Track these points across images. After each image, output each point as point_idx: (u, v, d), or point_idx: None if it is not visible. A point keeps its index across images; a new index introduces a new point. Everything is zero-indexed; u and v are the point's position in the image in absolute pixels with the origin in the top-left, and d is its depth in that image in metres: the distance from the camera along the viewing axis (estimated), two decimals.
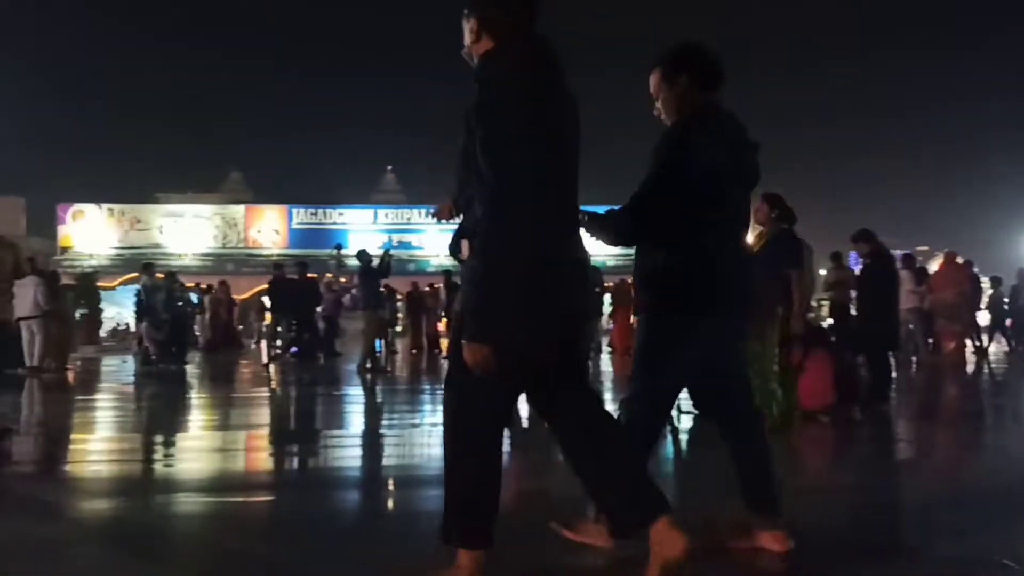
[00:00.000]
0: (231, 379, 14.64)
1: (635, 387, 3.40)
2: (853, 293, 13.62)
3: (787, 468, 5.95)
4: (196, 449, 7.02)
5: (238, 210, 46.79)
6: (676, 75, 3.41)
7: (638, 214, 3.33)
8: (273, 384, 12.98)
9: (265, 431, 8.28)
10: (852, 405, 8.01)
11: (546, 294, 2.77)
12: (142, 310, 16.38)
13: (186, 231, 44.40)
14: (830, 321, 14.26)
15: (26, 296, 13.89)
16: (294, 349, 17.41)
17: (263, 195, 49.70)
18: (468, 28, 2.96)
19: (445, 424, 2.96)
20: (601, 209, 3.42)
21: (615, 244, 3.44)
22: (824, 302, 16.54)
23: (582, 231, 3.13)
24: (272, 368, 15.45)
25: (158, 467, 6.21)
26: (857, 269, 11.19)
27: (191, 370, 15.50)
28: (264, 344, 17.94)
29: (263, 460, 6.67)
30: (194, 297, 20.13)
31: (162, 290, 16.29)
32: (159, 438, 7.75)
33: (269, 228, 46.55)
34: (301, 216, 45.95)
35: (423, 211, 42.59)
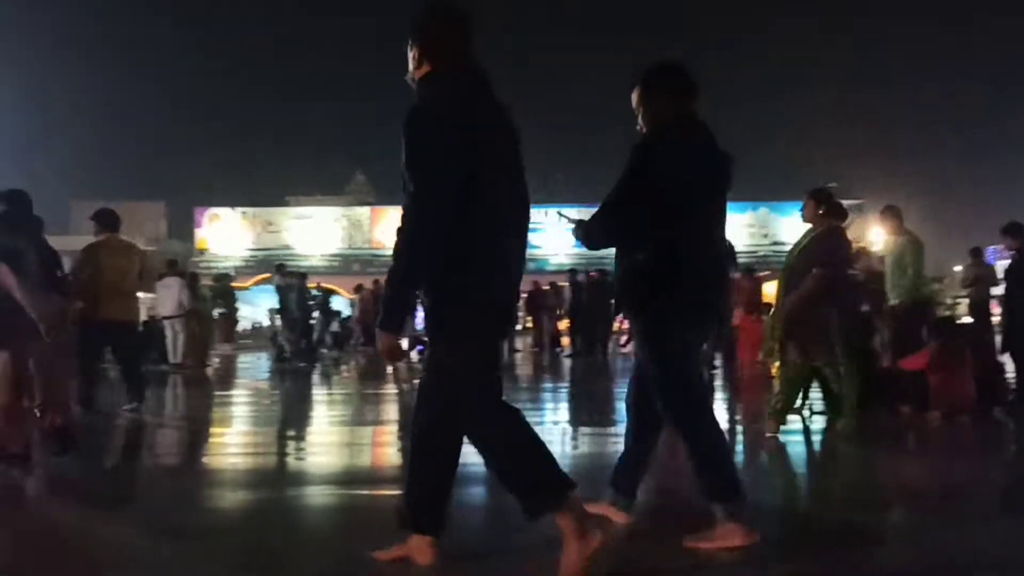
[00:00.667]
0: (362, 375, 15.07)
1: (659, 381, 3.66)
2: (994, 290, 13.02)
3: (923, 470, 5.78)
4: (329, 444, 7.28)
5: (363, 211, 47.98)
6: (651, 91, 3.77)
7: (607, 220, 3.65)
8: (403, 381, 13.28)
9: (395, 426, 8.50)
10: (996, 406, 7.66)
11: (473, 290, 3.10)
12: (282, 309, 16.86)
13: (314, 233, 45.78)
14: (969, 319, 13.63)
15: (170, 296, 14.61)
16: (420, 347, 17.75)
17: (387, 196, 50.77)
18: (411, 55, 3.27)
19: (422, 420, 3.27)
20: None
21: (592, 248, 3.77)
22: (961, 300, 15.81)
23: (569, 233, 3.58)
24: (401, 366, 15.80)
25: (292, 460, 6.46)
26: (998, 265, 10.67)
27: (323, 367, 16.02)
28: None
29: (392, 455, 6.85)
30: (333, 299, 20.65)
31: (294, 290, 16.88)
32: (292, 432, 8.06)
33: (394, 228, 47.42)
34: None
35: (544, 210, 42.77)
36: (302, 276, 17.80)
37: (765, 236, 41.83)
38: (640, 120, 3.83)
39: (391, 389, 12.22)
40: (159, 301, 15.22)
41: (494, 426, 3.20)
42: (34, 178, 54.51)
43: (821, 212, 6.69)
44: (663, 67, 3.82)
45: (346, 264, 44.48)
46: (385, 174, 56.98)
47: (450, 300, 3.12)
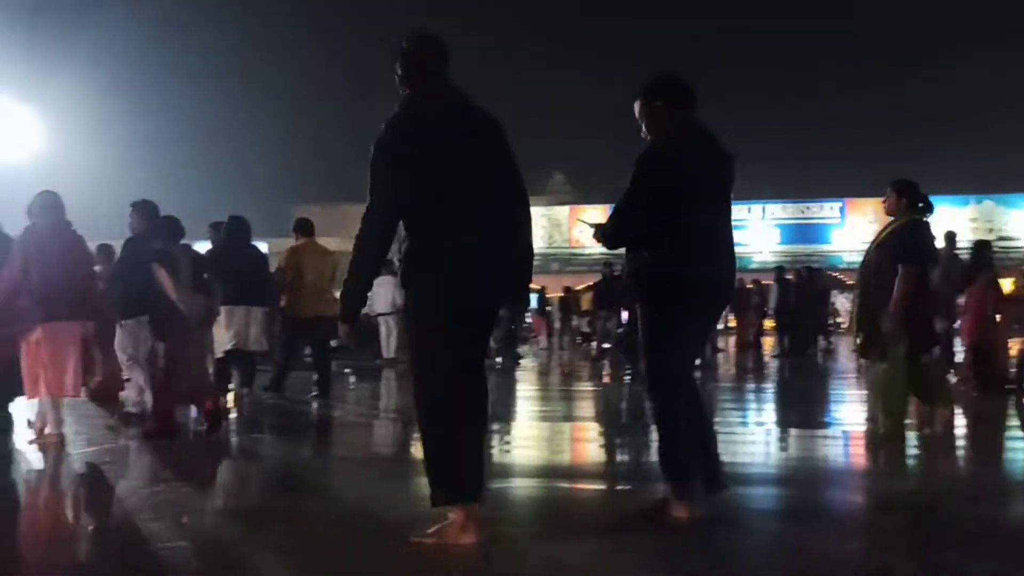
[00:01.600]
0: (562, 372, 15.31)
1: (651, 375, 3.96)
2: None
3: None
4: (529, 438, 7.48)
5: (562, 211, 48.48)
6: (652, 100, 4.06)
7: (620, 224, 4.02)
8: (605, 378, 13.40)
9: (596, 423, 8.62)
10: None
11: (435, 271, 3.54)
12: None
13: None
14: None
15: (384, 294, 15.37)
16: (606, 344, 17.81)
17: (585, 195, 51.05)
18: (397, 80, 3.76)
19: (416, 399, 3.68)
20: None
21: (609, 248, 4.21)
22: None
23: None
24: (602, 362, 15.92)
25: (499, 453, 6.67)
26: None
27: (527, 364, 16.36)
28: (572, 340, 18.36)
29: (596, 451, 6.97)
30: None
31: None
32: (495, 427, 8.33)
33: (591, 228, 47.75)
34: None
35: (747, 207, 41.74)
36: None
37: (990, 231, 38.95)
38: (644, 129, 4.13)
39: (589, 386, 12.33)
40: (374, 298, 16.04)
41: (434, 411, 3.60)
42: (262, 184, 58.58)
43: (903, 204, 6.35)
44: (661, 79, 4.13)
45: (546, 263, 45.13)
46: (583, 173, 57.09)
47: (416, 284, 3.61)
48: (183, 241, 7.22)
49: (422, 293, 3.60)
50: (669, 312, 3.91)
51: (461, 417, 3.58)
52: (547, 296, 27.41)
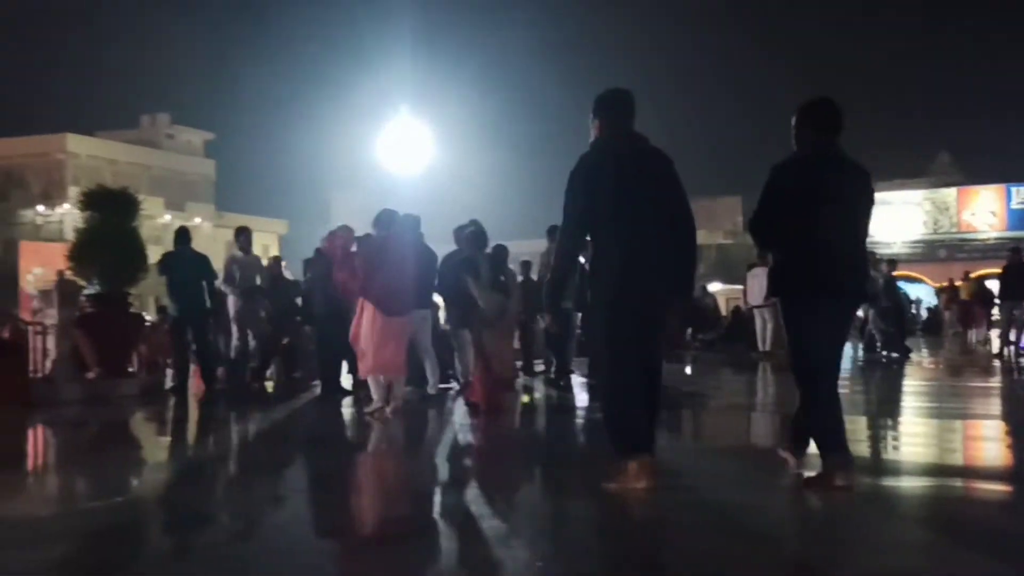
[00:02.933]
0: (960, 366, 14.12)
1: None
2: None
3: None
4: (919, 435, 6.99)
5: (949, 193, 44.61)
6: (799, 126, 4.66)
7: (754, 228, 4.67)
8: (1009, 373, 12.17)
9: (993, 420, 7.85)
10: None
11: (606, 276, 4.51)
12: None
13: (895, 219, 43.65)
14: None
15: (759, 286, 15.16)
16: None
17: (975, 176, 46.48)
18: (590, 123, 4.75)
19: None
20: None
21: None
22: None
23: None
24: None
25: (876, 448, 6.34)
26: None
27: (915, 358, 15.27)
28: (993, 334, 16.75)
29: (989, 450, 6.35)
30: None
31: (882, 277, 16.30)
32: (882, 421, 7.87)
33: (985, 210, 43.46)
34: (1022, 195, 42.00)
35: None
36: (891, 263, 17.09)
37: None
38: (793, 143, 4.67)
39: (984, 382, 11.24)
40: (749, 290, 15.84)
41: (613, 380, 4.59)
42: None
43: None
44: (810, 105, 4.62)
45: (930, 250, 41.74)
46: (973, 151, 52.05)
47: (593, 284, 4.63)
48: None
49: (596, 292, 4.61)
50: (797, 301, 4.56)
51: (632, 389, 4.46)
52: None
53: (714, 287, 29.62)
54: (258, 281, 11.64)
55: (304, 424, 8.51)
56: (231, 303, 11.50)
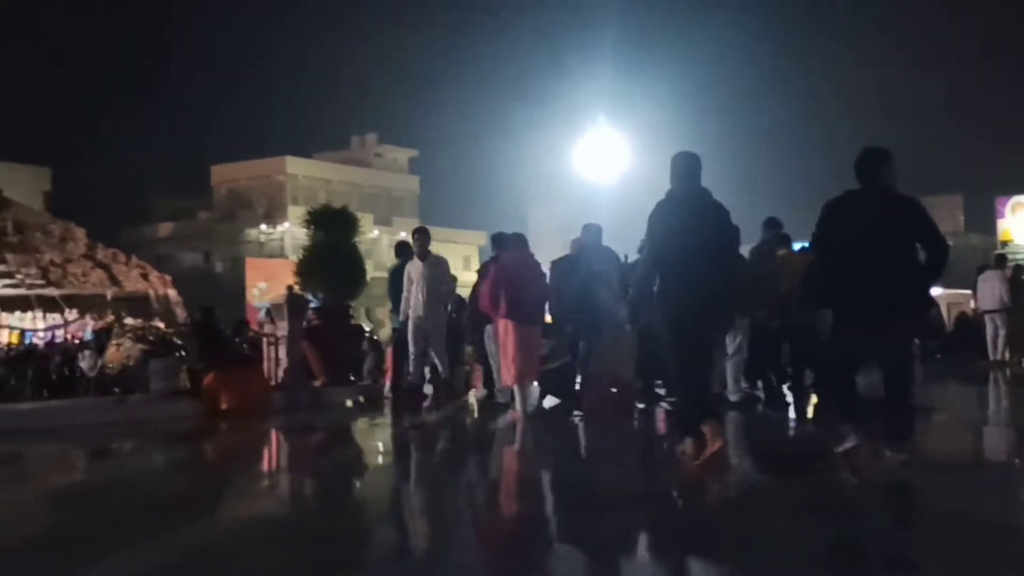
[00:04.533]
0: None
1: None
2: None
3: None
4: None
5: None
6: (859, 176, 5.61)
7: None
8: None
9: None
10: None
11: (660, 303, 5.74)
12: None
13: None
14: None
15: (990, 290, 14.18)
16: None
17: None
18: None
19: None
20: None
21: None
22: None
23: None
24: None
25: None
26: None
27: None
28: None
29: None
30: None
31: None
32: None
33: None
34: None
35: None
36: None
37: None
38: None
39: None
40: (979, 295, 14.83)
41: (676, 381, 6.04)
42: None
43: None
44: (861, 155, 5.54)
45: None
46: None
47: (660, 307, 5.73)
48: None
49: (662, 312, 5.71)
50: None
51: (689, 387, 5.75)
52: None
53: (935, 292, 27.81)
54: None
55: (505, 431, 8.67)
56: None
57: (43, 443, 8.30)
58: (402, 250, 11.02)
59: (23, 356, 14.13)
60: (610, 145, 26.71)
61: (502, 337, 8.74)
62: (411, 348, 10.02)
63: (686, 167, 5.78)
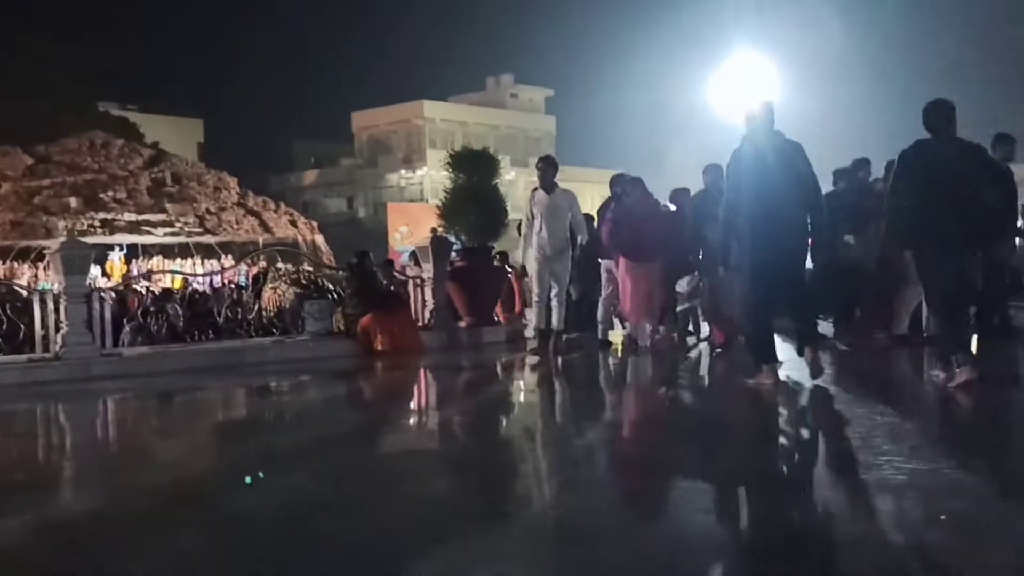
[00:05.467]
0: None
1: None
2: None
3: None
4: None
5: None
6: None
7: None
8: None
9: None
10: None
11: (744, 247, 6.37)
12: None
13: None
14: None
15: None
16: None
17: None
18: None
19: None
20: None
21: None
22: None
23: None
24: None
25: None
26: None
27: None
28: None
29: None
30: None
31: None
32: None
33: None
34: None
35: None
36: None
37: None
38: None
39: None
40: None
41: (747, 317, 6.73)
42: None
43: None
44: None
45: None
46: None
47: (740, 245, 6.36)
48: None
49: (740, 250, 6.30)
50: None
51: (762, 321, 6.38)
52: None
53: None
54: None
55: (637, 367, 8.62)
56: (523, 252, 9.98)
57: (221, 379, 8.83)
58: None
59: (192, 299, 14.90)
60: (752, 73, 25.80)
61: (621, 276, 9.04)
62: (534, 290, 9.65)
63: (759, 117, 6.34)
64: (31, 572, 3.21)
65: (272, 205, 30.35)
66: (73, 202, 25.54)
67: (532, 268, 9.58)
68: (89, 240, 15.31)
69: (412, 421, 6.55)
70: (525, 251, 9.69)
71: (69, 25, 70.36)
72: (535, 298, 9.72)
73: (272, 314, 12.96)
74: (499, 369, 9.42)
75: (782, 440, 5.23)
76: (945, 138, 6.02)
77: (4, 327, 9.41)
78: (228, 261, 22.54)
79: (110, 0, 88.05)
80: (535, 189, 9.72)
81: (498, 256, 13.41)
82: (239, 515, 3.71)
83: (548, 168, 9.57)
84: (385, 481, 4.25)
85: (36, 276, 22.05)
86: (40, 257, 19.26)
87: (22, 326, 9.34)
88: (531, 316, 10.72)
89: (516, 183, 48.88)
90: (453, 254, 11.91)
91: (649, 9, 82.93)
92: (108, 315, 9.19)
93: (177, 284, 18.55)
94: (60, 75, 38.54)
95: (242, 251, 23.96)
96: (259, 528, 3.52)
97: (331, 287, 12.73)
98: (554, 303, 9.40)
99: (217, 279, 18.33)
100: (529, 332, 10.67)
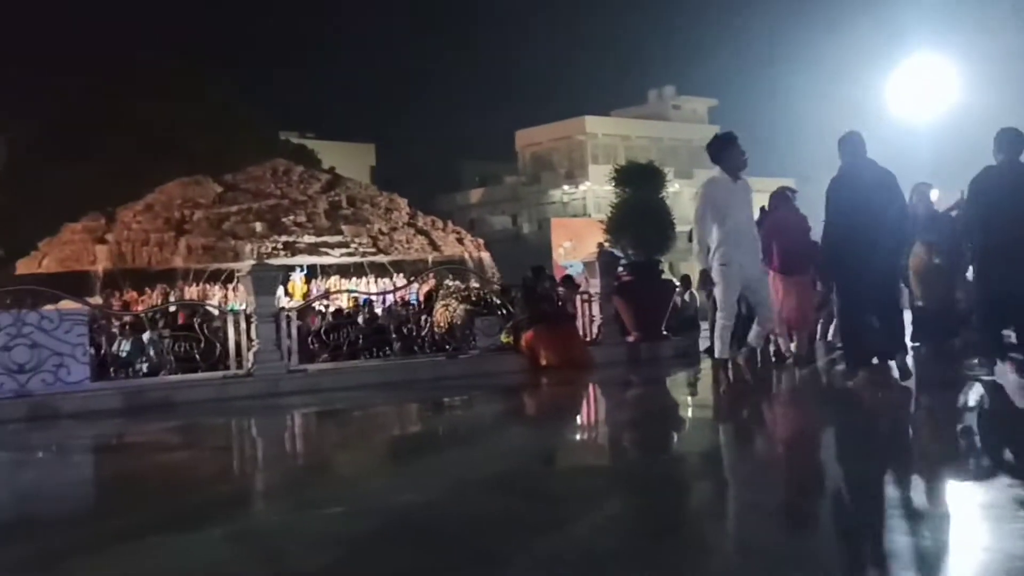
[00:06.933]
0: None
1: None
2: None
3: None
4: None
5: None
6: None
7: None
8: None
9: None
10: None
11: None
12: None
13: None
14: None
15: None
16: None
17: None
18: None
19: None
20: None
21: None
22: None
23: None
24: None
25: None
26: None
27: None
28: None
29: None
30: None
31: None
32: None
33: None
34: None
35: None
36: None
37: None
38: None
39: None
40: None
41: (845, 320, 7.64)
42: None
43: None
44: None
45: None
46: None
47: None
48: None
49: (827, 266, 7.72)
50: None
51: (858, 326, 7.20)
52: None
53: None
54: None
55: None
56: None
57: (399, 394, 9.18)
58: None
59: (371, 318, 15.54)
60: (932, 76, 24.58)
61: (772, 287, 8.97)
62: (719, 299, 7.25)
63: (851, 144, 7.07)
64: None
65: (440, 224, 31.19)
66: (258, 226, 27.12)
67: (721, 275, 7.30)
68: (273, 262, 16.19)
69: (584, 437, 6.60)
70: (709, 255, 7.41)
71: (252, 62, 74.80)
72: (719, 308, 7.47)
73: (443, 330, 13.31)
74: (668, 384, 9.35)
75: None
76: (1014, 164, 6.97)
77: (202, 345, 10.07)
78: (400, 280, 23.32)
79: (288, 38, 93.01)
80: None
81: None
82: (428, 530, 3.76)
83: (732, 146, 7.51)
84: (571, 498, 4.27)
85: (226, 297, 23.55)
86: (229, 279, 20.56)
87: (217, 344, 9.98)
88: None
89: (680, 195, 48.26)
90: (619, 268, 11.90)
91: (815, 14, 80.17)
92: (295, 333, 9.67)
93: (348, 303, 19.35)
94: (244, 108, 41.05)
95: (413, 269, 24.75)
96: (445, 542, 3.57)
97: (499, 303, 12.96)
98: (757, 315, 7.46)
99: (390, 297, 18.99)
100: (703, 345, 10.53)
